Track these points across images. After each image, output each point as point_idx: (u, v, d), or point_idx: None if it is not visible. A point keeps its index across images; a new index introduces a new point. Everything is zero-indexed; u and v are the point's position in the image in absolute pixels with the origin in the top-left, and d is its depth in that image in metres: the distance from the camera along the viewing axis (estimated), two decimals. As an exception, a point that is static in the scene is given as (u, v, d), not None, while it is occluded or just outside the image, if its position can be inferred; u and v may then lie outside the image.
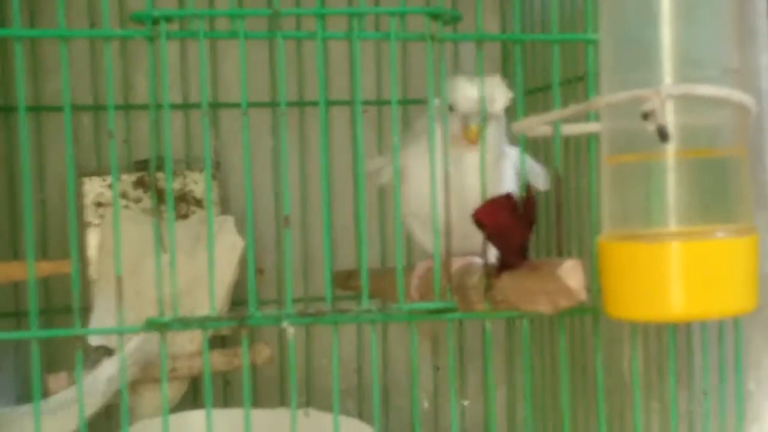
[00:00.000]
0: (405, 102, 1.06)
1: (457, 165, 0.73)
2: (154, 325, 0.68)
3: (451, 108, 0.76)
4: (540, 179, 0.81)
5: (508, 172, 0.78)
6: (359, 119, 0.70)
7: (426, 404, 1.11)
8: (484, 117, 0.74)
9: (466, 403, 1.11)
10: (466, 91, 0.75)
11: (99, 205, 0.99)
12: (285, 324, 0.68)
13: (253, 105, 1.02)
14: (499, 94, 0.76)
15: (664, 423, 0.83)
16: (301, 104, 1.08)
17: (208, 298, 0.69)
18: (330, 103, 1.05)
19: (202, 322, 0.69)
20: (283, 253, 1.06)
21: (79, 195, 0.99)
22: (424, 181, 0.76)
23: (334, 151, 1.06)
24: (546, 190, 0.81)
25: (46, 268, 0.85)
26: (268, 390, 1.07)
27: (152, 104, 0.69)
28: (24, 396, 1.02)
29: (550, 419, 1.00)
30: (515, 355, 1.11)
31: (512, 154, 0.80)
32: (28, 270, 0.68)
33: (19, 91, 0.67)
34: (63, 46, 0.67)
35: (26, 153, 0.67)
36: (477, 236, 0.70)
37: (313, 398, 1.08)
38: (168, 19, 0.67)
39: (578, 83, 0.88)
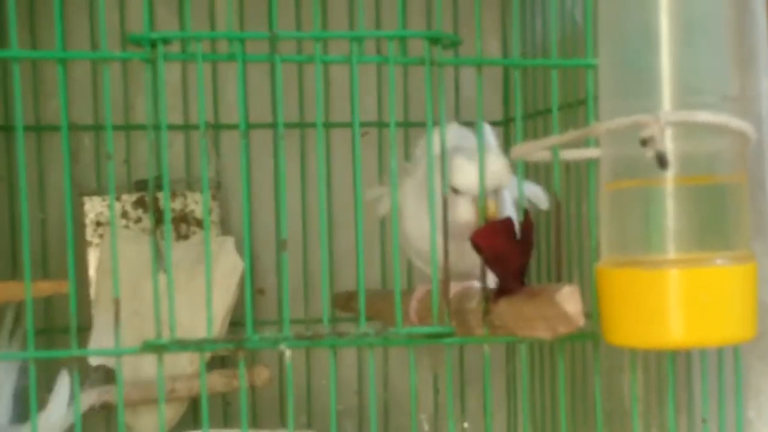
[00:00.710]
0: (406, 125, 1.06)
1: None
2: (152, 347, 0.68)
3: (455, 190, 0.74)
4: (541, 199, 0.80)
5: (507, 200, 0.78)
6: (358, 142, 0.70)
7: (426, 427, 1.10)
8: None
9: (466, 425, 1.11)
10: (470, 175, 0.72)
11: (99, 224, 0.99)
12: (282, 347, 0.68)
13: (254, 126, 1.03)
14: (502, 169, 0.73)
15: (664, 449, 0.82)
16: (301, 126, 1.08)
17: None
18: (330, 126, 1.05)
19: (199, 345, 0.69)
20: (282, 276, 1.07)
21: (80, 214, 0.99)
22: (421, 218, 0.76)
23: (334, 172, 1.06)
24: (547, 210, 0.81)
25: (46, 288, 0.85)
26: (269, 411, 1.06)
27: (151, 125, 0.69)
28: (24, 415, 1.01)
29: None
30: (515, 379, 1.10)
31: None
32: (26, 290, 0.68)
33: (17, 111, 0.67)
34: (61, 67, 0.67)
35: (23, 172, 0.68)
36: (476, 267, 0.70)
37: (313, 420, 1.07)
38: (166, 41, 0.67)
39: (579, 107, 0.88)
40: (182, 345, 0.68)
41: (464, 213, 0.74)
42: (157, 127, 0.69)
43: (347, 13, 1.04)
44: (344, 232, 1.06)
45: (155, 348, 0.68)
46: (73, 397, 0.81)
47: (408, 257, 0.84)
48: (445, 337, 0.70)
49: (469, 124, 0.81)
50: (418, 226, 0.77)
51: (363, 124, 0.71)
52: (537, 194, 0.81)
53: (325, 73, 0.93)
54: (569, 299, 0.64)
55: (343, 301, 1.02)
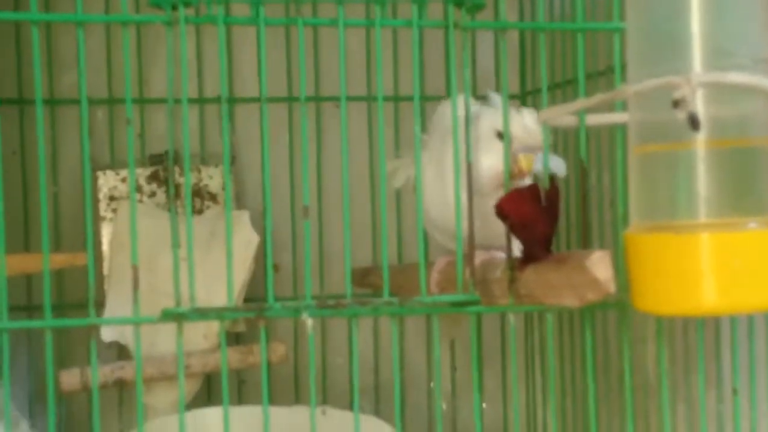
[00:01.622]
0: (421, 98, 1.04)
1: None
2: (171, 316, 0.67)
3: (500, 135, 0.73)
4: (560, 168, 0.78)
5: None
6: (381, 112, 0.69)
7: (444, 405, 1.09)
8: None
9: (484, 405, 1.09)
10: (528, 124, 0.73)
11: (112, 199, 0.98)
12: (304, 316, 0.67)
13: (270, 100, 1.01)
14: (538, 128, 0.74)
15: (692, 425, 0.81)
16: (318, 99, 1.06)
17: (223, 294, 0.68)
18: (348, 99, 1.04)
19: (219, 313, 0.68)
20: (300, 249, 1.06)
21: (93, 189, 0.98)
22: (440, 188, 0.75)
23: (350, 147, 1.04)
24: (566, 176, 0.79)
25: (60, 260, 0.84)
26: (283, 388, 1.05)
27: (170, 92, 0.67)
28: (37, 391, 1.01)
29: (570, 420, 0.98)
30: (533, 357, 1.09)
31: None
32: (43, 260, 0.67)
33: (36, 77, 0.66)
34: (80, 31, 0.66)
35: (42, 145, 0.66)
36: (499, 236, 0.69)
37: (329, 397, 1.06)
38: (187, 4, 0.66)
39: (600, 78, 0.86)
40: (202, 314, 0.67)
41: (498, 161, 0.73)
42: (177, 100, 0.67)
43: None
44: (360, 207, 1.05)
45: (175, 317, 0.67)
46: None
47: (427, 230, 0.82)
48: (470, 305, 0.68)
49: (482, 98, 0.80)
50: (438, 196, 0.76)
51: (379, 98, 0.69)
52: (556, 163, 0.79)
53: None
54: (599, 264, 0.62)
55: (359, 277, 1.00)
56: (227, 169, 0.70)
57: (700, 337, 0.70)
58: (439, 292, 0.79)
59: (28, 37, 0.96)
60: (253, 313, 0.68)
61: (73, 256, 0.83)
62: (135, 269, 0.67)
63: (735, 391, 0.71)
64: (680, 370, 0.82)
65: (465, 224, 0.69)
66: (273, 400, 0.99)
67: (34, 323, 0.69)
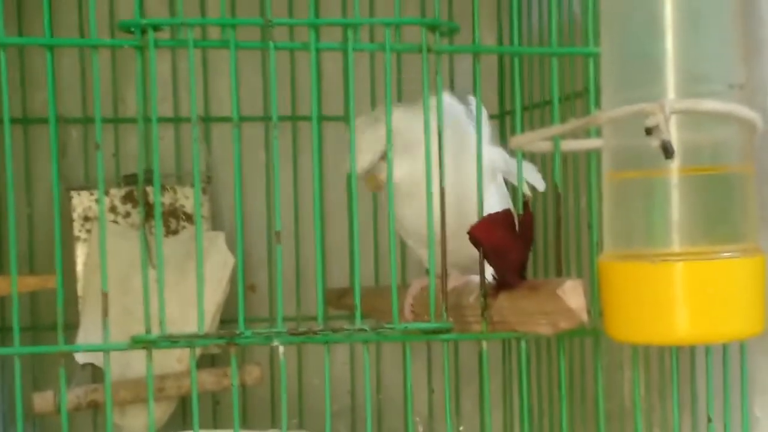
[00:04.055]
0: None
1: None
2: (141, 343, 0.66)
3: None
4: (537, 181, 0.77)
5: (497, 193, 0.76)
6: (352, 131, 0.68)
7: (420, 429, 1.08)
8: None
9: (461, 428, 1.09)
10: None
11: (87, 219, 0.97)
12: (275, 343, 0.66)
13: (245, 119, 1.01)
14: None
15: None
16: (293, 119, 1.06)
17: (197, 316, 0.67)
18: (324, 119, 1.03)
19: (190, 340, 0.67)
20: (275, 271, 1.05)
21: (67, 209, 0.97)
22: (414, 201, 0.74)
23: (326, 166, 1.04)
24: (544, 198, 0.79)
25: (32, 283, 0.84)
26: (259, 410, 1.05)
27: (141, 115, 0.67)
28: (10, 413, 0.99)
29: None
30: (511, 379, 1.08)
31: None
32: (12, 284, 0.66)
33: (4, 101, 0.65)
34: (50, 54, 0.65)
35: (10, 165, 0.66)
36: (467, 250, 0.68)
37: (305, 420, 1.05)
38: (156, 27, 0.65)
39: (576, 99, 0.86)
40: (172, 340, 0.66)
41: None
42: (147, 119, 0.67)
43: (340, 2, 1.03)
44: (336, 228, 1.04)
45: (144, 343, 0.66)
46: None
47: (402, 237, 0.82)
48: (443, 333, 0.68)
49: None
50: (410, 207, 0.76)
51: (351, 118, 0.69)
52: (533, 176, 0.78)
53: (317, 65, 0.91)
54: (572, 293, 0.62)
55: (335, 298, 1.00)
56: (198, 191, 0.69)
57: (674, 363, 0.70)
58: (413, 318, 0.79)
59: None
60: (224, 340, 0.67)
61: (45, 278, 0.82)
62: (105, 296, 0.66)
63: (709, 419, 0.70)
64: (656, 395, 0.81)
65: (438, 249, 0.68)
66: (249, 423, 0.98)
67: (3, 350, 0.68)
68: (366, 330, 0.67)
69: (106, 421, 0.68)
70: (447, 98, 0.75)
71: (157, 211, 0.68)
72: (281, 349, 0.66)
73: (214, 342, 0.68)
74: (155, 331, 0.66)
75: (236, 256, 0.92)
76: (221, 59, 1.05)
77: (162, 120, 1.01)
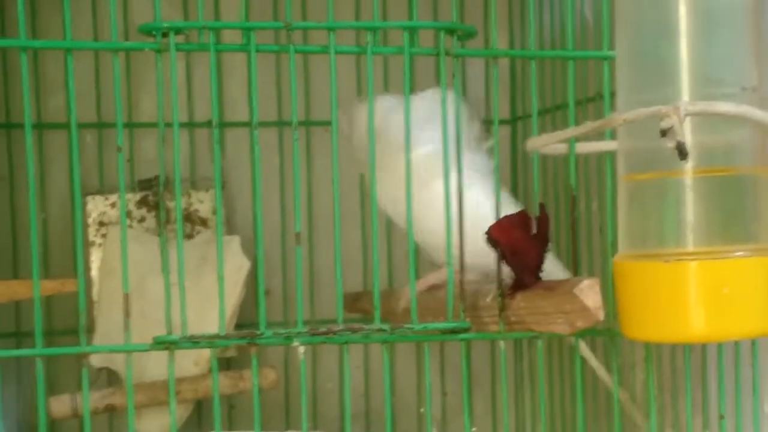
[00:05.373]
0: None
1: None
2: (162, 344, 0.67)
3: None
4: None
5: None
6: (372, 134, 0.69)
7: (434, 431, 1.09)
8: None
9: (474, 430, 1.09)
10: None
11: (102, 224, 0.98)
12: (296, 343, 0.67)
13: (260, 124, 1.01)
14: None
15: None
16: (308, 124, 1.07)
17: (214, 320, 0.68)
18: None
19: (211, 341, 0.68)
20: (290, 273, 1.06)
21: (82, 214, 0.98)
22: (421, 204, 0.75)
23: (341, 171, 1.05)
24: (555, 203, 0.79)
25: (50, 287, 0.84)
26: (274, 414, 1.05)
27: (160, 119, 0.68)
28: (27, 418, 1.00)
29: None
30: (524, 380, 1.09)
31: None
32: (34, 287, 0.67)
33: (25, 103, 0.66)
34: (69, 57, 0.66)
35: (32, 169, 0.66)
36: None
37: (319, 424, 1.06)
38: (177, 31, 0.66)
39: (589, 104, 0.87)
40: (193, 341, 0.67)
41: None
42: (168, 124, 0.68)
43: (353, 6, 1.04)
44: (350, 232, 1.05)
45: (166, 344, 0.67)
46: None
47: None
48: (461, 332, 0.69)
49: None
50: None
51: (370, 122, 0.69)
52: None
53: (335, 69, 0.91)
54: (589, 293, 0.63)
55: (350, 302, 1.00)
56: (218, 195, 0.70)
57: (687, 362, 0.71)
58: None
59: (15, 61, 0.97)
60: (244, 340, 0.68)
61: (62, 282, 0.83)
62: (126, 297, 0.67)
63: (721, 417, 0.71)
64: (668, 394, 0.82)
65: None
66: (264, 426, 0.98)
67: (25, 351, 0.68)
68: (385, 330, 0.67)
69: (124, 424, 0.69)
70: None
71: (179, 214, 0.68)
72: (301, 349, 0.67)
73: (234, 342, 0.69)
74: (176, 333, 0.67)
75: (252, 260, 0.93)
76: (234, 64, 1.05)
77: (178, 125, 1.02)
